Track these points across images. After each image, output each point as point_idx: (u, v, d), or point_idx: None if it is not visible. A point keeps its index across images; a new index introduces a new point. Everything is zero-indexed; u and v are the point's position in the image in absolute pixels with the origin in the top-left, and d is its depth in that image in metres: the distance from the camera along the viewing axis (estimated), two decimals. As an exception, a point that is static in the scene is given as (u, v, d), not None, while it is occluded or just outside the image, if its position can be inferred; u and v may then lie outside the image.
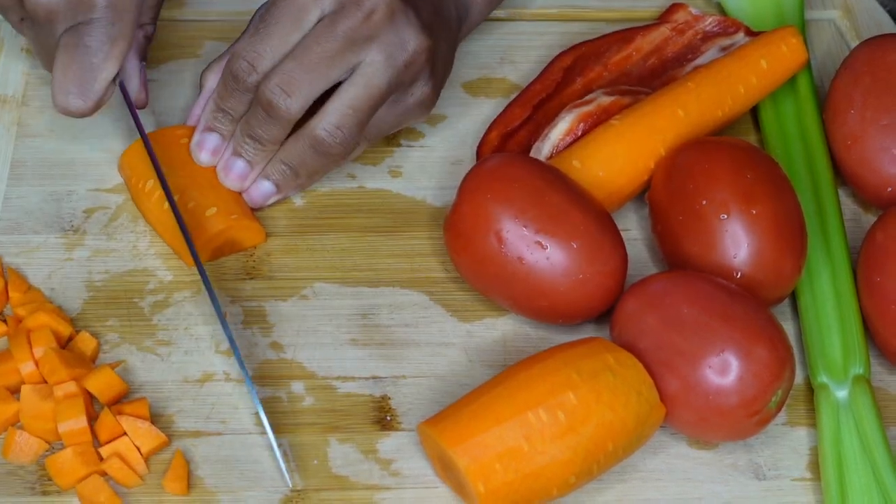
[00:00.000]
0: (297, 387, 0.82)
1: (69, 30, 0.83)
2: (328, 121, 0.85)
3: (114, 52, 0.84)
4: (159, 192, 0.87)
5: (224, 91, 0.87)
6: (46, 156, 0.93)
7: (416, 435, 0.80)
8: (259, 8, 0.88)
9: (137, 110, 0.91)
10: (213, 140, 0.88)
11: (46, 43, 0.85)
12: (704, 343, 0.77)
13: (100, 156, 0.93)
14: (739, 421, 0.78)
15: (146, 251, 0.88)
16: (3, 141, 0.93)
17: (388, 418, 0.81)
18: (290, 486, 0.78)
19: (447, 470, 0.77)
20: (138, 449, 0.78)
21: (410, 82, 0.87)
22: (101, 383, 0.79)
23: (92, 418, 0.79)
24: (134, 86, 0.92)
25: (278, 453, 0.77)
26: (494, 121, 0.95)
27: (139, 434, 0.78)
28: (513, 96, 0.97)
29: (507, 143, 0.93)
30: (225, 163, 0.88)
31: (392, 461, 0.79)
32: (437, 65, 0.88)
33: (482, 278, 0.84)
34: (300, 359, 0.84)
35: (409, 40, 0.85)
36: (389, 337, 0.85)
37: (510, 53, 1.02)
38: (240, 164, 0.88)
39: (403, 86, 0.87)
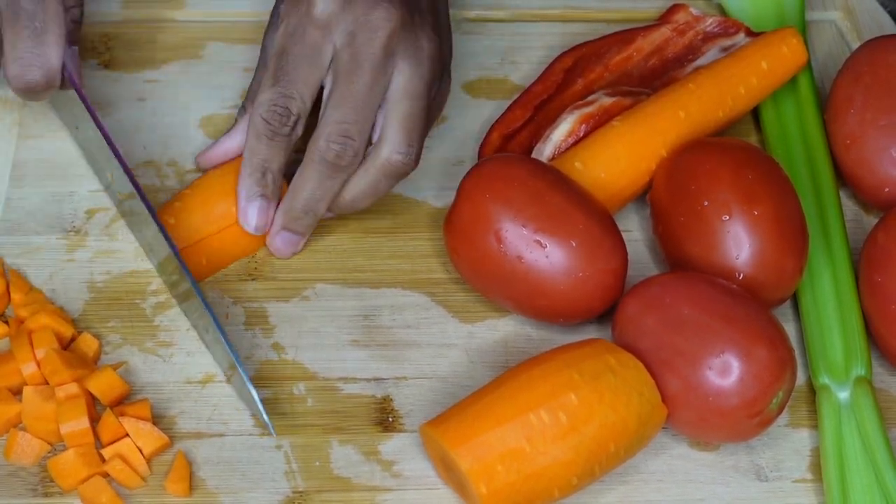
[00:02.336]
0: (299, 388, 0.82)
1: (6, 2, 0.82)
2: (397, 142, 0.84)
3: (51, 13, 0.83)
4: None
5: (258, 145, 0.86)
6: (48, 156, 0.93)
7: (417, 436, 0.80)
8: (261, 59, 0.88)
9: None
10: (257, 207, 0.86)
11: None
12: (705, 344, 0.77)
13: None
14: (740, 422, 0.78)
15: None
16: (5, 142, 0.93)
17: (390, 419, 0.81)
18: (275, 435, 0.79)
19: (449, 471, 0.77)
20: (140, 450, 0.78)
21: (439, 76, 0.88)
22: (103, 384, 0.79)
23: (94, 420, 0.79)
24: (67, 69, 0.86)
25: (259, 403, 0.78)
26: (496, 122, 0.95)
27: (141, 435, 0.78)
28: (514, 97, 0.97)
29: (509, 145, 0.93)
30: (281, 241, 0.87)
31: (394, 462, 0.79)
32: (447, 52, 0.90)
33: (482, 278, 0.84)
34: (302, 360, 0.84)
35: (423, 41, 0.85)
36: (391, 338, 0.85)
37: (511, 54, 1.02)
38: (294, 237, 0.87)
39: (434, 81, 0.87)
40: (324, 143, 0.84)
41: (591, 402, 0.75)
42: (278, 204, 0.87)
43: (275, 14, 0.89)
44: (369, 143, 0.85)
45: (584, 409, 0.75)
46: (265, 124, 0.85)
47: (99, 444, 0.78)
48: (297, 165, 0.86)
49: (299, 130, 0.85)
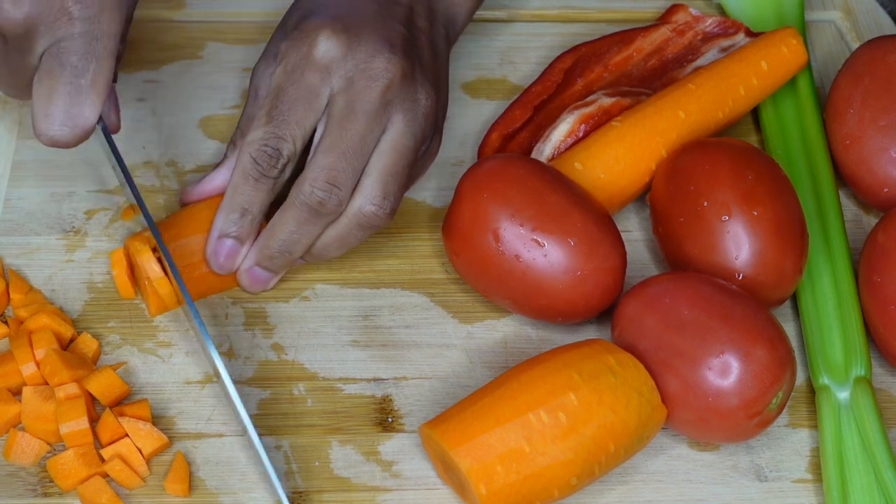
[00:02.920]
0: (299, 388, 0.82)
1: (50, 49, 0.76)
2: (373, 194, 0.82)
3: (101, 73, 0.77)
4: None
5: (244, 184, 0.83)
6: (47, 157, 0.93)
7: (417, 436, 0.80)
8: (251, 90, 0.86)
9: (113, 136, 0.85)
10: (228, 248, 0.84)
11: (18, 65, 0.78)
12: (705, 344, 0.77)
13: (101, 157, 0.93)
14: (740, 422, 0.78)
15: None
16: (4, 142, 0.93)
17: (390, 420, 0.81)
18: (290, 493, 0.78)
19: (449, 471, 0.77)
20: (140, 451, 0.78)
21: (430, 134, 0.86)
22: (103, 385, 0.79)
23: (93, 420, 0.79)
24: (105, 108, 0.83)
25: (267, 463, 0.77)
26: (495, 122, 0.95)
27: (141, 436, 0.78)
28: (513, 97, 0.97)
29: (509, 145, 0.93)
30: (250, 277, 0.85)
31: (393, 463, 0.79)
32: (440, 110, 0.88)
33: (481, 278, 0.84)
34: (301, 360, 0.84)
35: (421, 96, 0.84)
36: (391, 338, 0.85)
37: (510, 54, 1.02)
38: (266, 275, 0.85)
39: (426, 138, 0.85)
40: (308, 187, 0.81)
41: (591, 403, 0.75)
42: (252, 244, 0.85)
43: (270, 49, 0.87)
44: None
45: (584, 410, 0.75)
46: (253, 164, 0.82)
47: (98, 445, 0.78)
48: (277, 205, 0.84)
49: (287, 174, 0.83)
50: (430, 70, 0.86)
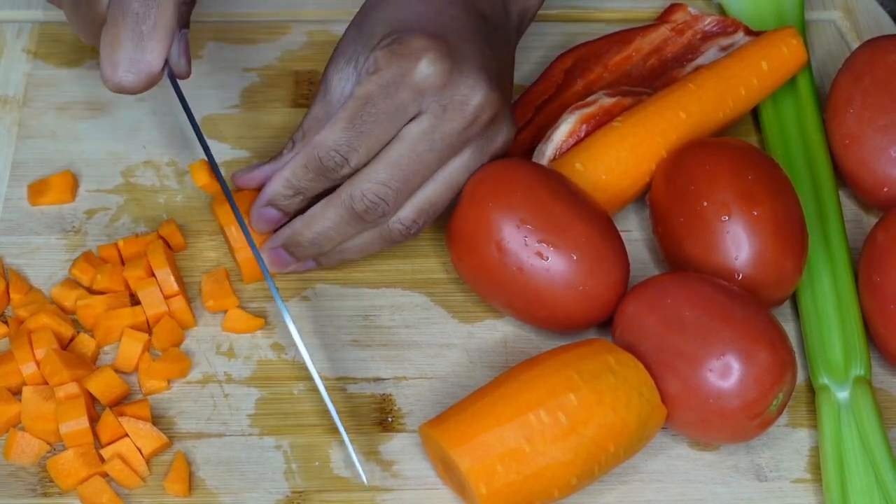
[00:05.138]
0: (299, 388, 0.82)
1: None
2: (407, 217, 0.82)
3: (163, 18, 0.78)
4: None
5: (304, 174, 0.82)
6: (47, 157, 0.93)
7: (417, 436, 0.80)
8: (322, 89, 0.85)
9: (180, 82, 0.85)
10: (273, 215, 0.84)
11: (89, 13, 0.81)
12: (706, 345, 0.77)
13: (101, 157, 0.93)
14: (740, 423, 0.78)
15: (147, 252, 0.88)
16: (4, 142, 0.93)
17: (390, 419, 0.81)
18: (367, 483, 0.78)
19: (449, 471, 0.77)
20: (140, 450, 0.78)
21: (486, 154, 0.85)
22: (103, 384, 0.79)
23: (93, 420, 0.79)
24: (174, 54, 0.83)
25: (351, 449, 0.78)
26: (496, 123, 0.95)
27: (140, 435, 0.78)
28: (514, 98, 0.97)
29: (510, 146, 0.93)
30: (272, 256, 0.85)
31: (393, 462, 0.79)
32: (511, 145, 0.86)
33: (482, 284, 0.84)
34: (301, 360, 0.84)
35: (500, 135, 0.83)
36: (391, 338, 0.85)
37: (511, 54, 1.02)
38: (288, 259, 0.85)
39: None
40: (359, 193, 0.81)
41: (591, 403, 0.75)
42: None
43: (346, 51, 0.84)
44: None
45: (584, 410, 0.75)
46: (318, 163, 0.81)
47: (98, 444, 0.78)
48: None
49: (345, 177, 0.82)
50: (510, 96, 0.86)
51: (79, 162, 0.93)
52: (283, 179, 0.83)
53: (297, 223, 0.83)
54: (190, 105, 0.85)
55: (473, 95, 0.80)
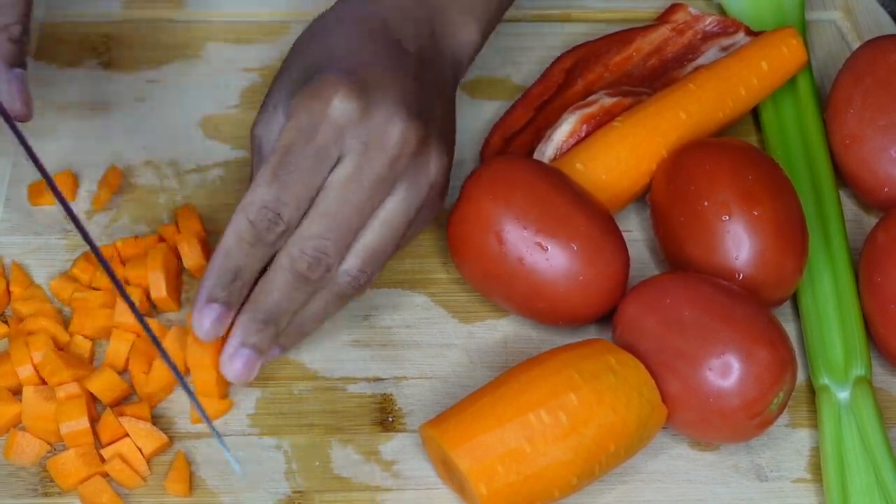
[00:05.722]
0: (299, 388, 0.82)
1: None
2: (352, 266, 0.79)
3: None
4: None
5: (239, 247, 0.77)
6: (47, 157, 0.92)
7: (417, 436, 0.80)
8: (254, 145, 0.82)
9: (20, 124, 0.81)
10: (216, 312, 0.77)
11: None
12: (706, 345, 0.77)
13: (101, 157, 0.93)
14: (741, 423, 0.78)
15: (147, 252, 0.88)
16: (5, 142, 0.93)
17: (390, 419, 0.81)
18: (239, 472, 0.77)
19: (449, 471, 0.77)
20: (140, 450, 0.78)
21: (432, 202, 0.82)
22: (103, 384, 0.79)
23: (94, 419, 0.79)
24: (4, 94, 0.79)
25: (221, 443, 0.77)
26: (497, 123, 0.95)
27: (141, 435, 0.78)
28: (514, 98, 0.97)
29: (510, 146, 0.93)
30: (238, 362, 0.77)
31: (394, 462, 0.79)
32: (448, 174, 0.83)
33: (483, 279, 0.84)
34: (302, 360, 0.84)
35: (432, 166, 0.80)
36: (391, 338, 0.85)
37: (511, 54, 1.02)
38: (254, 356, 0.78)
39: (425, 207, 0.81)
40: (297, 251, 0.77)
41: (591, 403, 0.75)
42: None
43: (273, 100, 0.82)
44: None
45: (584, 410, 0.75)
46: (250, 228, 0.77)
47: (98, 444, 0.78)
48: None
49: (283, 240, 0.78)
50: (442, 129, 0.82)
51: (79, 162, 0.93)
52: (218, 264, 0.77)
53: (246, 309, 0.77)
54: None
55: (392, 129, 0.78)
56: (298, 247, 0.77)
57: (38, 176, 0.90)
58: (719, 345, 0.77)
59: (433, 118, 0.81)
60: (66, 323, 0.83)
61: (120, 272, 0.85)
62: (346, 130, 0.78)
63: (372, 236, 0.79)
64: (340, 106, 0.77)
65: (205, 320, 0.77)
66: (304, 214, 0.78)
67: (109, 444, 0.78)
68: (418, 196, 0.80)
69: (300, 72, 0.81)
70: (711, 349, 0.77)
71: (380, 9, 0.83)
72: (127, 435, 0.78)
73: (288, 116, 0.79)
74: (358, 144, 0.78)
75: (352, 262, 0.79)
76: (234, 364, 0.77)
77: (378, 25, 0.82)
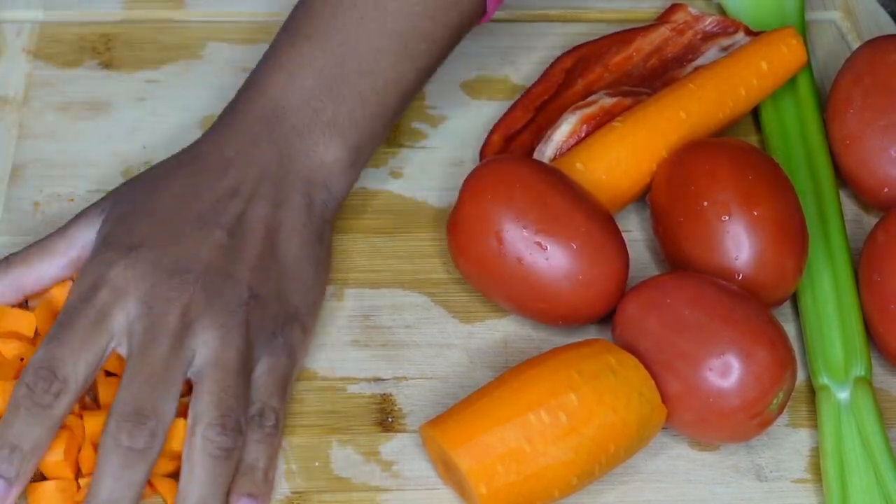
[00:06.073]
0: (299, 388, 0.82)
1: None
2: (210, 415, 0.73)
3: None
4: None
5: (13, 416, 0.71)
6: (48, 157, 0.93)
7: (417, 436, 0.80)
8: (72, 222, 0.81)
9: None
10: None
11: None
12: (705, 345, 0.77)
13: (101, 157, 0.93)
14: (740, 423, 0.78)
15: (147, 252, 0.88)
16: (5, 142, 0.93)
17: (390, 420, 0.81)
18: None
19: (449, 471, 0.77)
20: None
21: (269, 332, 0.78)
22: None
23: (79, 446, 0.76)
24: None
25: None
26: (497, 123, 0.95)
27: None
28: (514, 97, 0.97)
29: (510, 146, 0.93)
30: None
31: (394, 463, 0.79)
32: (280, 302, 0.79)
33: (483, 279, 0.84)
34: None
35: (233, 305, 0.76)
36: (391, 338, 0.85)
37: (510, 54, 1.02)
38: None
39: (263, 337, 0.77)
40: (114, 424, 0.71)
41: (591, 403, 0.75)
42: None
43: (96, 209, 0.82)
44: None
45: (584, 410, 0.75)
46: (27, 392, 0.71)
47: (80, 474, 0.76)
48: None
49: (64, 403, 0.72)
50: (262, 264, 0.79)
51: (79, 162, 0.93)
52: None
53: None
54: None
55: (173, 278, 0.76)
56: (114, 418, 0.72)
57: (38, 174, 0.90)
58: (719, 345, 0.77)
59: (244, 258, 0.78)
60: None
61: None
62: (128, 290, 0.75)
63: (207, 381, 0.74)
64: (119, 269, 0.76)
65: None
66: (86, 379, 0.74)
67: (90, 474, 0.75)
68: (230, 334, 0.76)
69: (104, 232, 0.80)
70: (711, 349, 0.77)
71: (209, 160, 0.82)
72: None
73: (76, 279, 0.77)
74: (141, 304, 0.75)
75: (209, 413, 0.73)
76: None
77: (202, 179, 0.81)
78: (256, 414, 0.76)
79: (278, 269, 0.80)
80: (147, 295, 0.76)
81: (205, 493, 0.72)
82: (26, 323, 0.81)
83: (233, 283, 0.77)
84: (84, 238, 0.81)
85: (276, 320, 0.78)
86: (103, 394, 0.78)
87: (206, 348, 0.75)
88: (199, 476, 0.72)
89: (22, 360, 0.79)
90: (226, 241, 0.79)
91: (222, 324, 0.76)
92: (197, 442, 0.73)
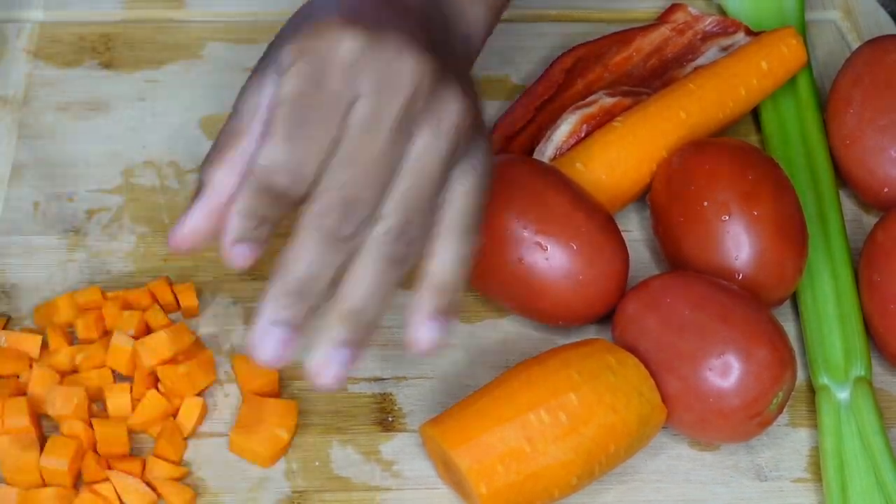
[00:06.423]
0: (299, 387, 0.82)
1: None
2: (392, 222, 0.69)
3: None
4: None
5: (259, 204, 0.69)
6: (48, 157, 0.93)
7: (417, 436, 0.80)
8: (234, 111, 0.73)
9: None
10: (248, 251, 0.70)
11: None
12: (705, 345, 0.77)
13: (101, 157, 0.93)
14: (740, 423, 0.78)
15: (147, 252, 0.88)
16: (5, 142, 0.93)
17: (390, 419, 0.81)
18: None
19: (449, 471, 0.77)
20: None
21: (466, 146, 0.73)
22: (108, 436, 0.77)
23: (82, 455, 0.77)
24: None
25: None
26: (497, 123, 0.95)
27: (129, 491, 0.76)
28: (514, 97, 0.97)
29: (510, 146, 0.93)
30: (262, 333, 0.68)
31: (394, 462, 0.79)
32: (480, 116, 0.74)
33: (482, 278, 0.84)
34: (302, 360, 0.83)
35: (454, 106, 0.71)
36: (391, 338, 0.85)
37: (510, 54, 1.02)
38: (283, 330, 0.69)
39: (461, 151, 0.72)
40: (323, 206, 0.68)
41: (591, 402, 0.76)
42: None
43: (261, 69, 0.73)
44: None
45: (584, 409, 0.75)
46: (270, 191, 0.69)
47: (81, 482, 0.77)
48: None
49: (309, 191, 0.70)
50: (460, 74, 0.75)
51: (79, 162, 0.93)
52: (240, 215, 0.69)
53: (276, 282, 0.69)
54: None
55: (403, 59, 0.70)
56: (324, 202, 0.68)
57: (38, 174, 0.90)
58: (719, 345, 0.77)
59: (447, 59, 0.74)
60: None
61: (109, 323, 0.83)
62: (357, 69, 0.70)
63: (404, 184, 0.70)
64: (346, 43, 0.70)
65: (266, 346, 0.69)
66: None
67: (92, 483, 0.76)
68: (447, 140, 0.71)
69: (294, 25, 0.74)
70: (711, 349, 0.77)
71: None
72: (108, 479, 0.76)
73: (289, 65, 0.70)
74: (370, 84, 0.70)
75: (391, 216, 0.69)
76: (265, 344, 0.68)
77: None
78: (391, 226, 0.70)
79: (468, 84, 0.75)
80: (377, 73, 0.70)
81: (307, 269, 0.68)
82: (32, 343, 0.82)
83: (451, 77, 0.72)
84: (261, 98, 0.72)
85: (468, 136, 0.73)
86: (111, 402, 0.79)
87: (420, 145, 0.70)
88: (306, 250, 0.69)
89: (18, 377, 0.80)
90: (428, 35, 0.73)
91: (438, 121, 0.71)
92: (317, 210, 0.68)
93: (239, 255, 0.69)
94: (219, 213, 0.71)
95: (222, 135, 0.73)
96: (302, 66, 0.69)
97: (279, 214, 0.70)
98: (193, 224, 0.71)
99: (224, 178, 0.71)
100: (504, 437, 0.75)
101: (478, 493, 0.74)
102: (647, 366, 0.78)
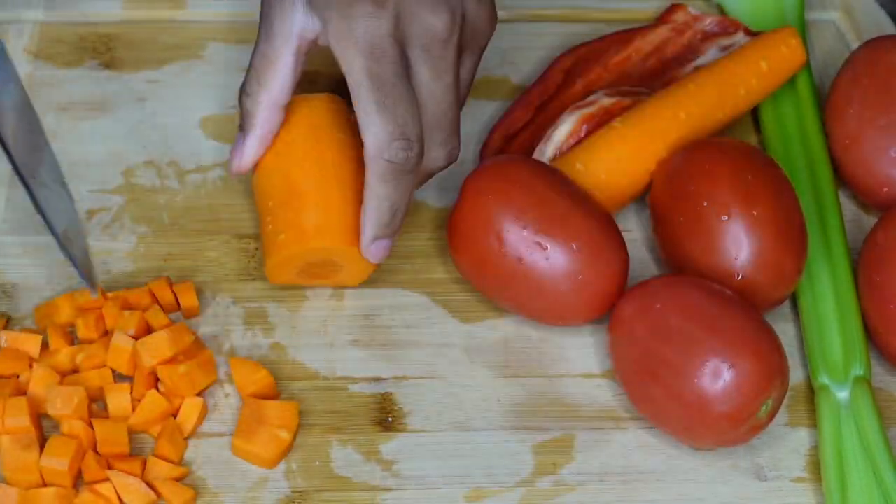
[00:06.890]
0: (299, 387, 0.82)
1: None
2: (438, 142, 0.83)
3: None
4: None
5: (386, 189, 0.81)
6: (48, 157, 0.93)
7: (417, 436, 0.80)
8: (268, 18, 0.84)
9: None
10: (383, 247, 0.83)
11: None
12: (690, 355, 0.77)
13: (102, 157, 0.93)
14: (726, 431, 0.77)
15: (147, 252, 0.88)
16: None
17: (390, 419, 0.81)
18: (95, 295, 0.81)
19: (317, 269, 0.83)
20: None
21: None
22: (108, 435, 0.77)
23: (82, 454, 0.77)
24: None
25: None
26: (497, 123, 0.95)
27: (129, 491, 0.76)
28: (514, 98, 0.97)
29: (510, 146, 0.93)
30: (376, 250, 0.83)
31: (394, 462, 0.80)
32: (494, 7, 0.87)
33: (483, 278, 0.84)
34: (302, 360, 0.84)
35: (486, 30, 0.86)
36: (391, 338, 0.85)
37: (510, 54, 1.02)
38: (386, 242, 0.83)
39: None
40: (440, 163, 0.84)
41: None
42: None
43: (273, 20, 0.84)
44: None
45: None
46: (390, 167, 0.80)
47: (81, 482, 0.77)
48: None
49: (420, 158, 0.82)
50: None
51: (79, 162, 0.93)
52: (373, 210, 0.82)
53: (367, 216, 0.82)
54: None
55: (438, 20, 0.81)
56: (436, 161, 0.84)
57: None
58: (703, 354, 0.76)
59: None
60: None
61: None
62: (405, 34, 0.81)
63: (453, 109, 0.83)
64: (373, 21, 0.80)
65: (374, 254, 0.83)
66: None
67: (92, 482, 0.76)
68: (481, 51, 0.87)
69: None
70: (696, 358, 0.77)
71: None
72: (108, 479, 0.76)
73: (343, 49, 0.80)
74: (418, 47, 0.81)
75: (438, 140, 0.83)
76: (375, 252, 0.83)
77: None
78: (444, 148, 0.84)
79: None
80: (421, 33, 0.81)
81: (392, 202, 0.82)
82: (33, 343, 0.82)
83: (485, 13, 0.86)
84: (292, 26, 0.83)
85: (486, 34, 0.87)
86: (111, 402, 0.79)
87: (464, 70, 0.86)
88: (382, 187, 0.81)
89: (18, 377, 0.80)
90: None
91: (475, 45, 0.86)
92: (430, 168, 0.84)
93: (378, 251, 0.83)
94: (269, 142, 0.85)
95: (256, 59, 0.84)
96: (359, 48, 0.80)
97: (404, 199, 0.81)
98: (252, 153, 0.85)
99: (269, 115, 0.85)
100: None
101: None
102: (634, 372, 0.78)
